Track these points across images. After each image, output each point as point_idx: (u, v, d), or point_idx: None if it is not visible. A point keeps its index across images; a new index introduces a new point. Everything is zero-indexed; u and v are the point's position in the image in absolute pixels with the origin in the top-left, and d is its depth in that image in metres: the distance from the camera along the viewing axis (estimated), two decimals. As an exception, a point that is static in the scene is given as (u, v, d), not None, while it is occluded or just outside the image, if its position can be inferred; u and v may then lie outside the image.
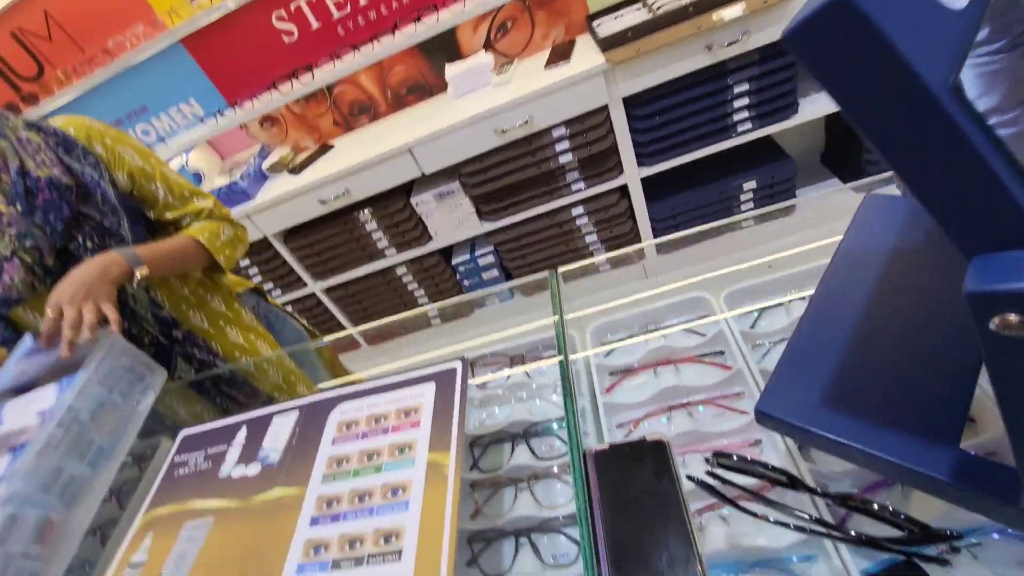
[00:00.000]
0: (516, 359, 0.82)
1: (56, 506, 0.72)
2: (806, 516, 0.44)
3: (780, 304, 0.73)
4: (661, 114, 1.65)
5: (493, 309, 2.17)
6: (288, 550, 0.56)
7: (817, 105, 1.72)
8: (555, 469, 0.68)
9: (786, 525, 0.42)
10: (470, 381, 0.81)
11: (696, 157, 1.75)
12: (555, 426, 0.73)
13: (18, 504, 0.67)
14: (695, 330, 0.75)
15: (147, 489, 0.73)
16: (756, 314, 0.74)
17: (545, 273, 0.91)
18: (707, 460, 0.44)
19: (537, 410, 0.76)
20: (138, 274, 0.82)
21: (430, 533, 0.51)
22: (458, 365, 0.66)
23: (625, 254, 2.04)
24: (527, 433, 0.72)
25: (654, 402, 0.69)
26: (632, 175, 1.79)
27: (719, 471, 0.44)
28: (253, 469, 0.67)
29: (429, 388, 0.65)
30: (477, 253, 2.03)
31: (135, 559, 0.63)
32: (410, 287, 2.12)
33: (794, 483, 0.39)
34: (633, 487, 0.45)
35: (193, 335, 1.00)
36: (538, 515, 0.63)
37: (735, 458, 0.41)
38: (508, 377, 0.79)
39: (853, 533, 0.42)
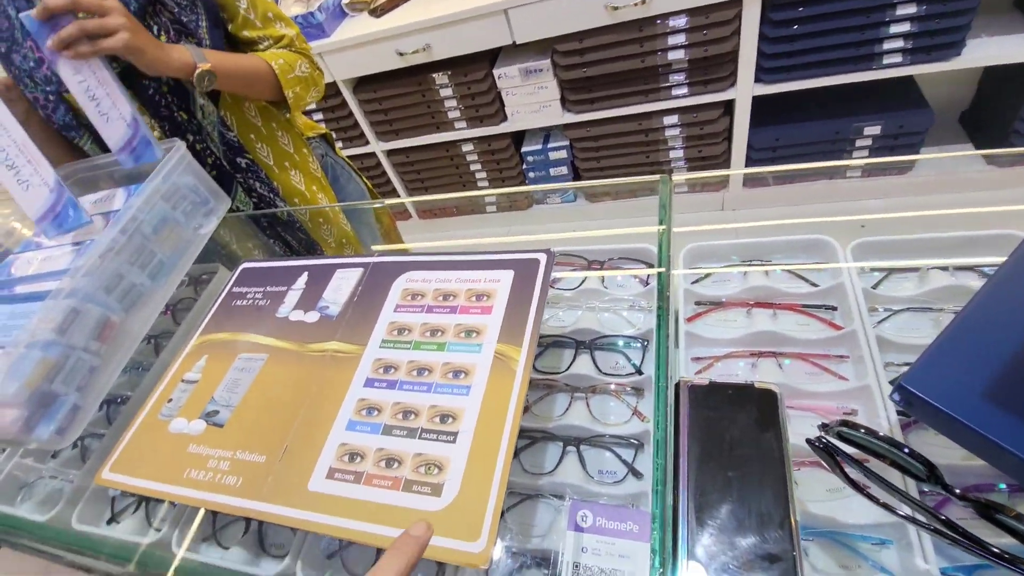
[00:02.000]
0: (595, 264, 0.75)
1: (116, 309, 0.73)
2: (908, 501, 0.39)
3: (915, 270, 0.63)
4: (801, 23, 1.41)
5: (552, 208, 2.07)
6: (341, 403, 0.55)
7: (986, 51, 1.45)
8: (612, 387, 0.64)
9: (892, 510, 0.37)
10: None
11: (824, 84, 1.53)
12: (621, 343, 0.68)
13: (80, 299, 0.67)
14: (806, 276, 0.66)
15: (202, 311, 0.73)
16: (879, 275, 0.65)
17: (618, 180, 0.82)
18: (824, 426, 0.38)
19: (607, 322, 0.70)
20: (200, 67, 0.76)
21: (489, 424, 0.49)
22: (542, 257, 0.60)
23: (709, 178, 1.88)
24: (592, 344, 0.67)
25: (740, 344, 0.63)
26: (745, 90, 1.58)
27: (833, 439, 0.38)
28: (311, 317, 0.65)
29: (506, 276, 0.60)
30: (550, 145, 1.89)
31: (189, 376, 0.64)
32: (472, 167, 2.02)
33: (933, 477, 0.33)
34: (731, 432, 0.40)
35: (257, 167, 0.96)
36: (590, 427, 0.60)
37: (865, 432, 0.35)
38: (583, 281, 0.73)
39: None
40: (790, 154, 1.72)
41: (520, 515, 0.57)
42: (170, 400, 0.62)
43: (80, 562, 0.64)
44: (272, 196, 1.00)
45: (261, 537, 0.64)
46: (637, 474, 0.57)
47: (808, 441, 0.37)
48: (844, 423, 0.36)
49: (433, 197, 2.11)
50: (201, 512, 0.66)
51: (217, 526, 0.67)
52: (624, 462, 0.58)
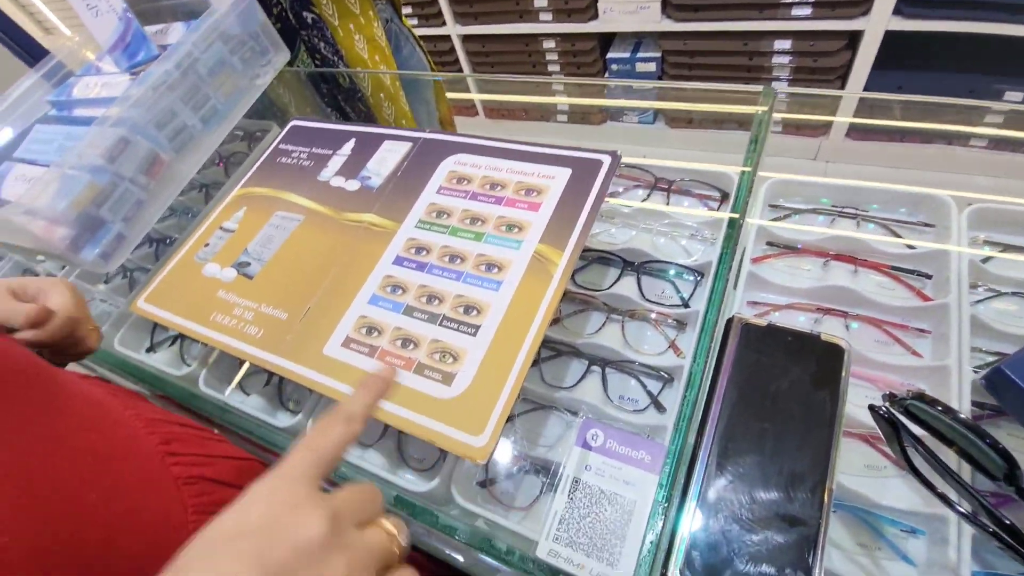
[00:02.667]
0: (662, 182, 0.68)
1: (166, 147, 0.72)
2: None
3: (1041, 249, 0.53)
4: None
5: (627, 128, 1.93)
6: (367, 277, 0.53)
7: None
8: (654, 315, 0.59)
9: (950, 503, 0.32)
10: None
11: (971, 30, 1.28)
12: (672, 272, 0.62)
13: (129, 129, 0.66)
14: (904, 235, 0.57)
15: (250, 166, 0.71)
16: (991, 249, 0.55)
17: (711, 86, 0.71)
18: (891, 396, 0.33)
19: (661, 248, 0.64)
20: None
21: (514, 324, 0.45)
22: (606, 159, 0.53)
23: (811, 120, 1.67)
24: (641, 267, 0.62)
25: (807, 296, 0.56)
26: (879, 22, 1.35)
27: (897, 412, 0.33)
28: (352, 185, 0.62)
29: (563, 174, 0.54)
30: (639, 54, 1.72)
31: (227, 225, 0.63)
32: (551, 67, 1.88)
33: (1011, 477, 0.28)
34: (779, 382, 0.35)
35: (323, 24, 0.90)
36: (621, 351, 0.57)
37: (943, 410, 0.29)
38: (646, 197, 0.67)
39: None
40: (910, 106, 1.50)
41: (530, 422, 0.56)
42: (207, 245, 0.62)
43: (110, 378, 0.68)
44: (336, 60, 0.94)
45: (281, 391, 0.66)
46: (660, 407, 0.53)
47: (871, 407, 0.32)
48: (920, 396, 0.30)
49: (495, 97, 1.98)
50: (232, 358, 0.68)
51: (242, 373, 0.69)
52: (648, 393, 0.55)
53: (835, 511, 0.45)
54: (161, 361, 0.73)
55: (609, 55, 1.77)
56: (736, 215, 0.53)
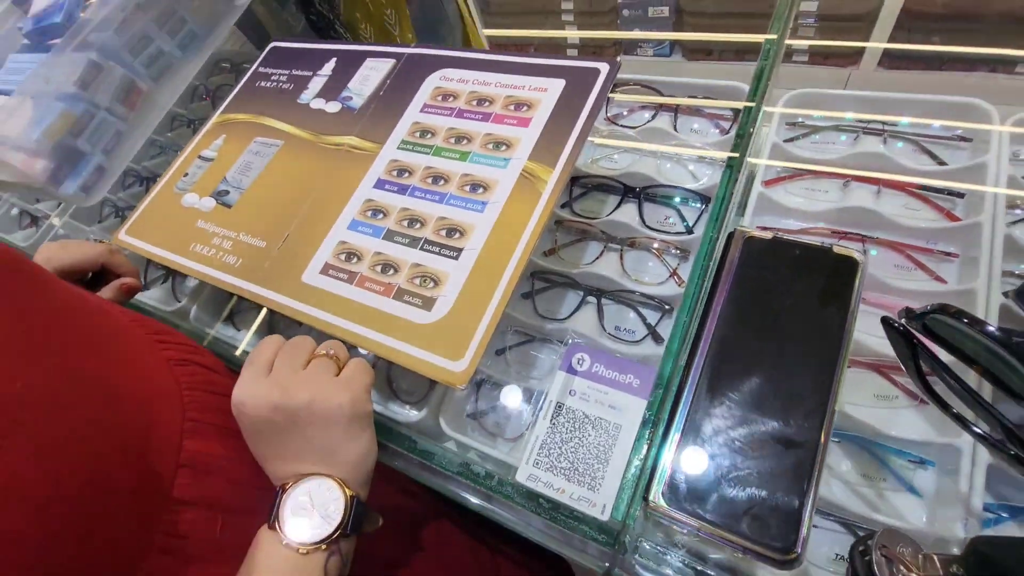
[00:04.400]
0: (669, 103, 0.62)
1: (143, 75, 0.69)
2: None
3: (1093, 162, 0.48)
4: None
5: (643, 62, 1.82)
6: (347, 201, 0.50)
7: None
8: (656, 244, 0.56)
9: (968, 426, 0.29)
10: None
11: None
12: (677, 197, 0.58)
13: (99, 52, 0.62)
14: (934, 151, 0.52)
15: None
16: (1035, 164, 0.50)
17: (726, 36, 0.64)
18: (908, 311, 0.29)
19: (667, 172, 0.60)
20: None
21: (498, 247, 0.42)
22: (603, 67, 0.48)
23: (842, 48, 1.55)
24: (644, 193, 0.58)
25: (823, 219, 0.52)
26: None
27: (919, 333, 0.30)
28: (333, 107, 0.58)
29: (556, 85, 0.49)
30: (654, -14, 1.59)
31: (206, 153, 0.60)
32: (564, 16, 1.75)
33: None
34: (784, 298, 0.32)
35: None
36: (618, 281, 0.53)
37: (971, 323, 0.26)
38: (651, 118, 0.62)
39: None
40: (952, 28, 1.37)
41: (522, 354, 0.54)
42: (186, 175, 0.59)
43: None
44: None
45: (271, 326, 0.65)
46: (657, 338, 0.51)
47: (884, 320, 0.29)
48: (942, 307, 0.27)
49: (502, 32, 1.87)
50: (223, 294, 0.66)
51: (234, 309, 0.68)
52: (646, 324, 0.52)
53: (838, 440, 0.42)
54: (153, 297, 0.72)
55: (622, -10, 1.64)
56: (752, 103, 0.47)
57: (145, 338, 0.38)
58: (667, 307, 0.52)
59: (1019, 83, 1.44)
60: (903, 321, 0.28)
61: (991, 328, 0.25)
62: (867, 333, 0.46)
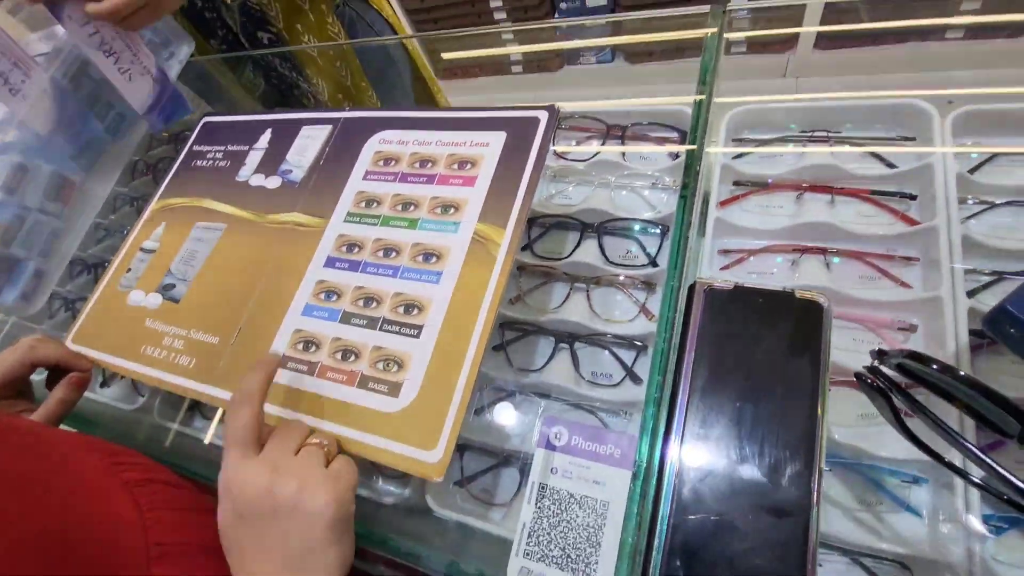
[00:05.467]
0: (615, 129, 0.62)
1: (73, 167, 0.66)
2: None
3: (1034, 150, 0.48)
4: None
5: (586, 70, 1.83)
6: (299, 284, 0.48)
7: None
8: (620, 279, 0.55)
9: (964, 475, 0.28)
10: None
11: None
12: (636, 228, 0.57)
13: (22, 153, 0.59)
14: (884, 156, 0.52)
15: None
16: (980, 157, 0.50)
17: (658, 12, 0.64)
18: (881, 354, 0.29)
19: (622, 203, 0.59)
20: None
21: (458, 320, 0.41)
22: (543, 115, 0.47)
23: (774, 36, 1.58)
24: (601, 228, 0.57)
25: (782, 236, 0.51)
26: (838, -87, 1.25)
27: (888, 371, 0.29)
28: (273, 182, 0.56)
29: (497, 139, 0.48)
30: (588, -12, 1.60)
31: (147, 245, 0.57)
32: (496, 15, 1.76)
33: None
34: (752, 352, 0.31)
35: (278, 42, 0.78)
36: (588, 324, 0.52)
37: (941, 369, 0.25)
38: (597, 152, 0.61)
39: None
40: (878, 4, 1.40)
41: (501, 412, 0.52)
42: (128, 270, 0.57)
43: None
44: (295, 75, 0.83)
45: (240, 412, 0.62)
46: (636, 379, 0.50)
47: (857, 376, 0.28)
48: (912, 355, 0.26)
49: (447, 55, 1.87)
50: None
51: (185, 406, 0.65)
52: (623, 364, 0.51)
53: (830, 469, 0.42)
54: (115, 397, 0.69)
55: (558, -9, 1.65)
56: (695, 142, 0.46)
57: (99, 466, 0.36)
58: (639, 344, 0.51)
59: (950, 48, 1.48)
60: (873, 376, 0.28)
61: (964, 374, 0.24)
62: (843, 350, 0.46)
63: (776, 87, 1.66)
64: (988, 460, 0.24)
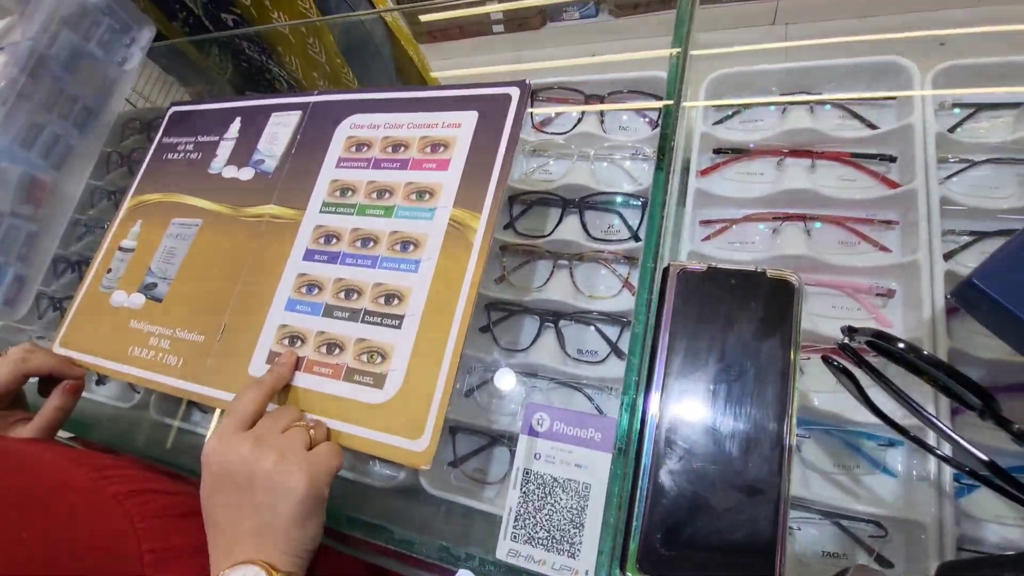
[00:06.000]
0: (593, 99, 0.60)
1: (42, 166, 0.64)
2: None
3: (1014, 106, 0.47)
4: None
5: (570, 27, 1.77)
6: (280, 279, 0.47)
7: None
8: (605, 254, 0.55)
9: (931, 450, 0.29)
10: (527, 120, 0.62)
11: None
12: (617, 201, 0.56)
13: (-13, 155, 0.58)
14: (864, 116, 0.51)
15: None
16: (963, 112, 0.49)
17: None
18: (851, 330, 0.29)
19: (604, 176, 0.58)
20: None
21: (438, 308, 0.41)
22: (514, 92, 0.46)
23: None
24: (583, 202, 0.56)
25: (764, 204, 0.51)
26: None
27: (862, 351, 0.29)
28: (246, 174, 0.55)
29: (469, 119, 0.47)
30: (567, -60, 1.53)
31: (125, 244, 0.57)
32: (475, -25, 1.68)
33: (988, 412, 0.24)
34: (725, 335, 0.31)
35: (244, 23, 0.75)
36: (573, 302, 0.53)
37: (906, 348, 0.25)
38: (577, 122, 0.60)
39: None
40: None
41: (490, 392, 0.53)
42: (109, 270, 0.56)
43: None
44: (264, 59, 0.80)
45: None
46: (620, 354, 0.50)
47: (824, 359, 0.28)
48: (878, 334, 0.26)
49: (423, 15, 1.80)
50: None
51: (184, 407, 0.66)
52: (607, 340, 0.51)
53: (807, 436, 0.43)
54: (111, 395, 0.70)
55: (536, -54, 1.58)
56: (671, 102, 0.45)
57: (87, 481, 0.37)
58: (624, 320, 0.51)
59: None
60: (839, 359, 0.28)
61: (928, 354, 0.25)
62: (821, 316, 0.46)
63: (765, 35, 1.61)
64: (951, 432, 0.25)
